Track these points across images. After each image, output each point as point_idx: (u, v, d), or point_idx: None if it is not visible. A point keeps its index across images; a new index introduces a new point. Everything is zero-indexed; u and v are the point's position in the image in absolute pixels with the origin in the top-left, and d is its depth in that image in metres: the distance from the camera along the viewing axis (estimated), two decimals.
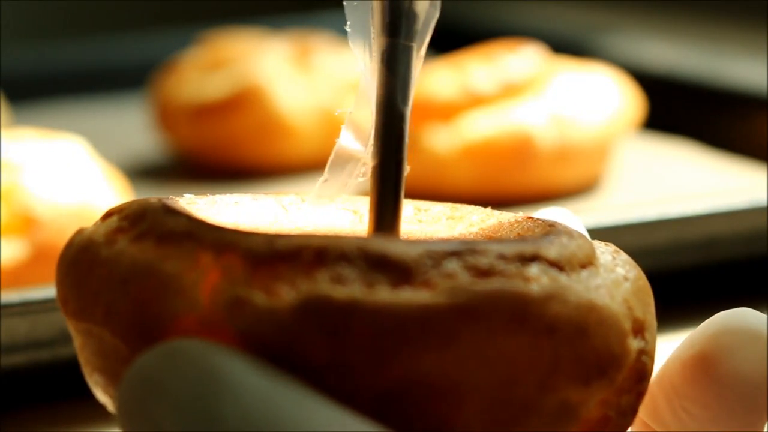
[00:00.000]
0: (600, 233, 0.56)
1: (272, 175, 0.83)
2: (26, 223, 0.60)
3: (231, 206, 0.33)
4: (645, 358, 0.29)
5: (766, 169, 0.78)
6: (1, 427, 0.50)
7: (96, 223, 0.30)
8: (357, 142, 0.31)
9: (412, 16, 0.30)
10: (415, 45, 0.30)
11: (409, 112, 0.30)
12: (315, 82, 0.84)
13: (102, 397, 0.30)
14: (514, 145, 0.73)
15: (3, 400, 0.50)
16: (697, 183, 0.76)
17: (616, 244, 0.31)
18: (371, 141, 0.31)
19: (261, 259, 0.26)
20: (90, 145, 0.70)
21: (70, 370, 0.50)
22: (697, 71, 0.90)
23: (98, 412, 0.50)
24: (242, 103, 0.83)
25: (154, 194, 0.33)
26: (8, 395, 0.50)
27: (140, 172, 0.85)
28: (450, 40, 0.94)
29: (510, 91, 0.75)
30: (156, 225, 0.28)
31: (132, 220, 0.29)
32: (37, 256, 0.59)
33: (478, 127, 0.74)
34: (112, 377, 0.28)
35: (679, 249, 0.59)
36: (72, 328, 0.29)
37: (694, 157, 0.82)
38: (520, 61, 0.76)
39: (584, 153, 0.75)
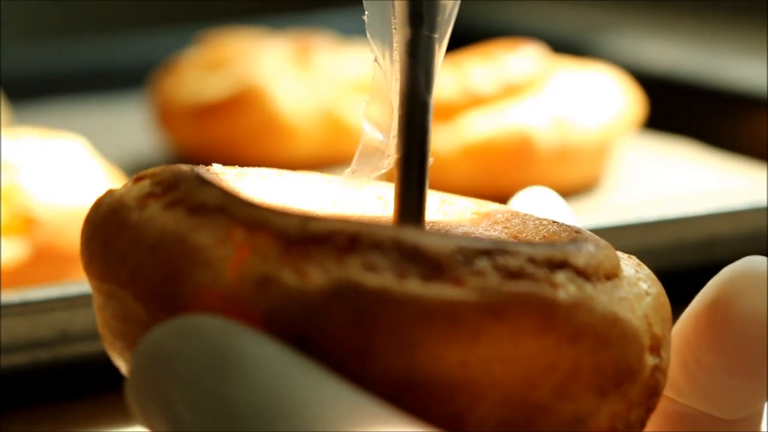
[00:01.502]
0: (600, 233, 0.56)
1: None
2: (26, 223, 0.60)
3: (258, 180, 0.33)
4: (658, 374, 0.29)
5: (766, 169, 0.78)
6: (1, 427, 0.50)
7: (126, 185, 0.30)
8: (379, 132, 0.31)
9: (435, 7, 0.30)
10: (437, 36, 0.31)
11: (432, 102, 0.30)
12: (315, 82, 0.84)
13: (116, 360, 0.29)
14: (514, 145, 0.73)
15: (3, 400, 0.50)
16: (697, 183, 0.76)
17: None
18: (393, 132, 0.31)
19: (293, 239, 0.26)
20: (90, 145, 0.70)
21: (70, 370, 0.50)
22: (697, 71, 0.91)
23: (98, 412, 0.50)
24: (242, 103, 0.83)
25: None
26: (8, 395, 0.50)
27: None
28: (450, 40, 0.94)
29: (510, 91, 0.75)
30: (189, 195, 0.28)
31: (165, 187, 0.29)
32: (37, 256, 0.59)
33: (478, 127, 0.74)
34: (130, 342, 0.28)
35: (679, 249, 0.59)
36: (94, 288, 0.29)
37: (694, 157, 0.82)
38: (520, 61, 0.76)
39: (584, 153, 0.75)
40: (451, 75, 0.76)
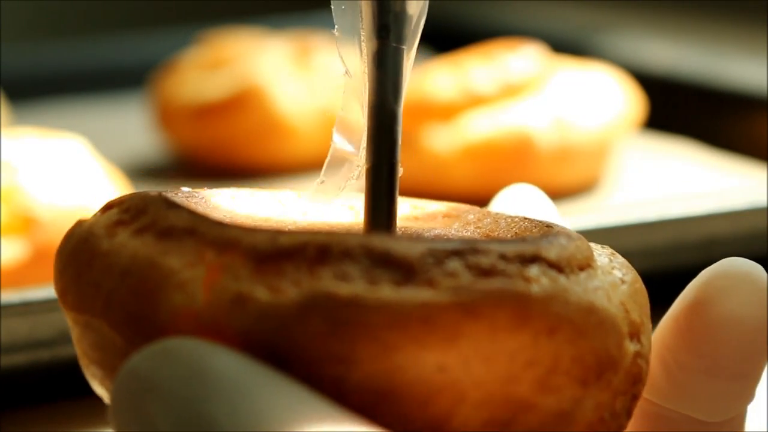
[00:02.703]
0: (600, 234, 0.56)
1: (272, 175, 0.83)
2: (26, 223, 0.60)
3: (228, 200, 0.33)
4: (640, 361, 0.29)
5: (766, 169, 0.78)
6: (1, 427, 0.50)
7: (95, 215, 0.30)
8: (350, 144, 0.32)
9: (402, 18, 0.31)
10: (405, 47, 0.31)
11: (401, 112, 0.31)
12: (315, 82, 0.84)
13: (98, 389, 0.30)
14: (514, 145, 0.73)
15: (3, 400, 0.50)
16: (697, 183, 0.76)
17: (616, 245, 0.31)
18: (363, 143, 0.31)
19: (264, 256, 0.26)
20: (90, 144, 0.70)
21: (70, 370, 0.50)
22: (697, 71, 0.91)
23: (98, 412, 0.50)
24: (242, 103, 0.83)
25: None
26: (8, 395, 0.51)
27: (140, 172, 0.85)
28: (450, 40, 0.94)
29: (510, 91, 0.75)
30: (158, 219, 0.28)
31: (133, 214, 0.29)
32: (37, 256, 0.59)
33: (478, 127, 0.74)
34: (109, 370, 0.28)
35: (679, 249, 0.59)
36: (70, 320, 0.29)
37: (694, 157, 0.82)
38: (520, 61, 0.76)
39: (584, 153, 0.75)
40: (451, 75, 0.76)
